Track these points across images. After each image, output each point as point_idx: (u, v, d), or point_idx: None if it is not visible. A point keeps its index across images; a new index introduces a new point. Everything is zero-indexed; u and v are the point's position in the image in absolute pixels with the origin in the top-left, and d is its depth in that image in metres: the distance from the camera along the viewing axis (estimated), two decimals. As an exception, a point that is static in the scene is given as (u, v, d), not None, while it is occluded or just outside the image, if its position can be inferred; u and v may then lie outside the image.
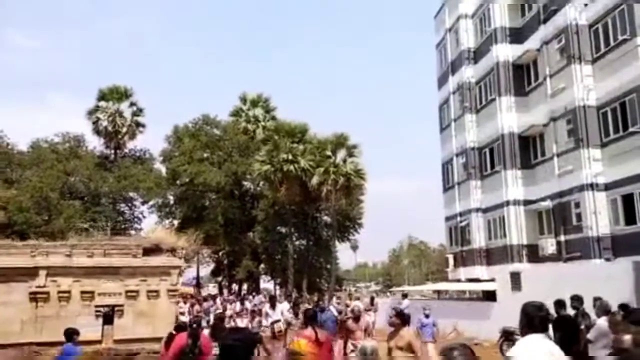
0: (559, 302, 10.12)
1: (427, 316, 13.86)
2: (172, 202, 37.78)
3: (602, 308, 8.34)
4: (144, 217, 38.02)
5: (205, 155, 35.45)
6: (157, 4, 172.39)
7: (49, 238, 20.09)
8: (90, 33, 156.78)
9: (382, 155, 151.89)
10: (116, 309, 14.78)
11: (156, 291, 15.30)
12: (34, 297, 14.03)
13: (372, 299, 23.15)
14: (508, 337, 14.84)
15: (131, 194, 35.33)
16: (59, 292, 14.27)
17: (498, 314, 19.16)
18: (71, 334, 7.69)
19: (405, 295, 20.59)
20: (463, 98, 25.68)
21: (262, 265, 38.29)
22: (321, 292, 33.89)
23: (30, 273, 14.03)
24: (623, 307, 8.84)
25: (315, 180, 31.68)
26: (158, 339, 11.75)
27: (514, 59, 22.89)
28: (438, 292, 27.50)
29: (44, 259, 14.15)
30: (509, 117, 22.65)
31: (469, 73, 25.49)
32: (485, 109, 24.27)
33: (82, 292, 14.50)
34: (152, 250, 15.33)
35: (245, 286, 39.94)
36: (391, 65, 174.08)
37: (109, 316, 14.51)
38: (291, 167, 31.37)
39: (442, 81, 28.44)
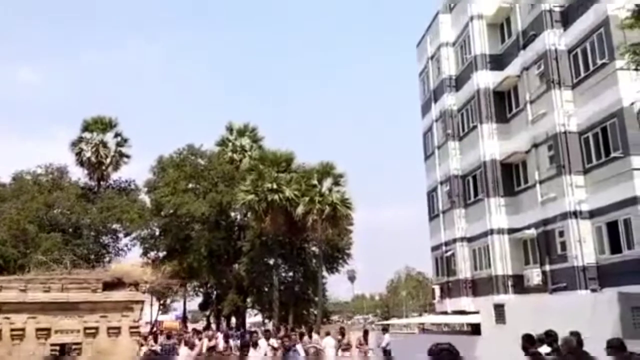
0: (528, 337, 9.49)
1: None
2: (157, 233, 37.06)
3: (567, 344, 7.71)
4: (128, 249, 37.38)
5: (189, 185, 34.94)
6: (144, 36, 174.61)
7: (25, 272, 19.40)
8: (75, 64, 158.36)
9: (378, 184, 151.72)
10: (74, 347, 13.98)
11: (117, 328, 14.47)
12: (-15, 336, 13.27)
13: (365, 332, 20.54)
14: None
15: (115, 226, 34.72)
16: (12, 329, 13.47)
17: (482, 348, 18.40)
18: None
19: (385, 330, 19.76)
20: (446, 125, 25.40)
21: (249, 299, 37.35)
22: (308, 325, 32.95)
23: (-19, 310, 13.29)
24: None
25: (300, 209, 31.10)
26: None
27: (494, 85, 22.67)
28: (422, 325, 26.69)
29: (-3, 294, 13.44)
30: (491, 144, 22.31)
31: (450, 101, 25.26)
32: (468, 136, 23.95)
33: (37, 330, 13.68)
34: (114, 284, 14.60)
35: (233, 320, 39.00)
36: (379, 94, 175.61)
37: (65, 355, 13.72)
38: (276, 197, 30.82)
39: (425, 109, 28.22)
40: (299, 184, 32.04)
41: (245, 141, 38.53)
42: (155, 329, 35.75)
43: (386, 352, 18.39)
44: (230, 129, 38.84)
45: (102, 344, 14.30)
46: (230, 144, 38.40)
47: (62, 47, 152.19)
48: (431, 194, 27.11)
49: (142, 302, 15.20)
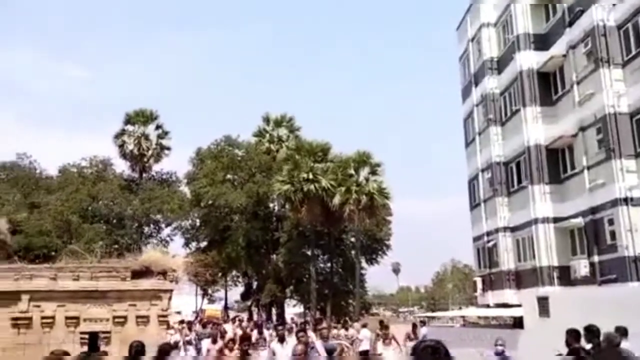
0: (573, 332, 8.74)
1: (498, 353, 11.03)
2: (197, 224, 37.41)
3: (609, 341, 6.95)
4: (171, 239, 37.93)
5: (227, 176, 35.01)
6: (183, 32, 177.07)
7: (68, 261, 19.71)
8: (119, 61, 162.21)
9: (421, 174, 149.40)
10: (102, 335, 14.01)
11: (146, 317, 14.46)
12: (16, 323, 13.44)
13: (414, 326, 18.44)
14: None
15: (156, 217, 35.24)
16: (43, 317, 13.63)
17: (525, 342, 17.50)
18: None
19: (423, 322, 18.97)
20: (487, 110, 24.28)
21: (287, 289, 37.16)
22: (348, 317, 32.48)
23: (12, 297, 13.46)
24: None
25: (337, 199, 30.60)
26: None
27: (538, 66, 21.43)
28: (464, 318, 25.76)
29: (27, 282, 13.58)
30: (535, 128, 21.13)
31: (492, 84, 24.12)
32: (510, 120, 22.81)
33: (67, 318, 13.81)
34: (143, 273, 14.56)
35: (274, 311, 38.96)
36: (418, 81, 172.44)
37: (94, 343, 13.74)
38: (312, 187, 30.41)
39: (465, 94, 27.11)
40: (335, 173, 31.54)
41: (282, 131, 38.29)
42: (199, 318, 36.07)
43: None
44: (267, 120, 38.67)
45: (131, 333, 14.25)
46: (267, 134, 38.25)
47: (108, 45, 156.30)
48: (472, 182, 26.07)
49: (171, 290, 15.09)
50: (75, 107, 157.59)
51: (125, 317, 14.32)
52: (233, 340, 13.19)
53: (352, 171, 32.02)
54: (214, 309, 42.90)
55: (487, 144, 24.15)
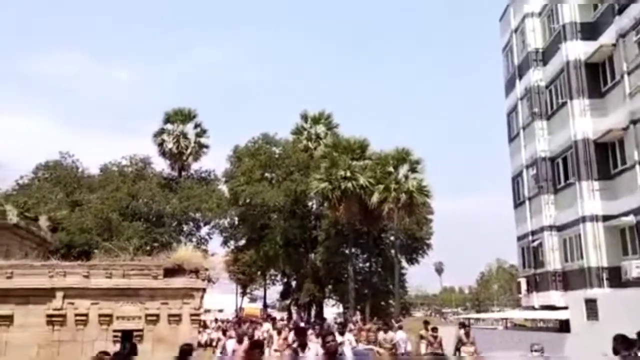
0: (621, 339, 8.01)
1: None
2: (235, 222, 37.47)
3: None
4: (210, 238, 38.16)
5: (265, 174, 34.91)
6: (221, 29, 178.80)
7: (102, 258, 19.93)
8: (159, 62, 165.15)
9: (464, 172, 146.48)
10: (135, 333, 13.95)
11: (178, 315, 14.32)
12: (51, 320, 13.52)
13: (461, 326, 16.76)
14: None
15: (196, 215, 35.48)
16: (76, 315, 13.65)
17: (572, 347, 16.56)
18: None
19: (463, 325, 18.12)
20: (532, 104, 23.23)
21: (326, 289, 36.77)
22: (387, 318, 31.85)
23: (47, 294, 13.54)
24: None
25: (375, 197, 30.04)
26: None
27: (586, 56, 20.31)
28: (506, 320, 24.74)
29: (61, 279, 13.63)
30: (583, 121, 20.03)
31: (537, 76, 23.05)
32: (557, 114, 21.74)
33: (100, 316, 13.80)
34: (174, 271, 14.42)
35: (312, 311, 38.66)
36: (461, 75, 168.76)
37: (128, 341, 13.69)
38: (350, 185, 29.94)
39: (509, 87, 26.06)
40: (373, 171, 30.98)
41: (320, 129, 37.93)
42: (238, 316, 36.11)
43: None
44: (305, 117, 38.40)
45: (163, 331, 14.17)
46: (305, 132, 37.99)
47: (148, 47, 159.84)
48: (516, 179, 25.04)
49: (203, 289, 14.90)
50: (119, 108, 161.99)
51: (157, 316, 14.21)
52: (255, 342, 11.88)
53: (391, 168, 31.41)
54: (253, 308, 43.03)
55: (531, 139, 23.12)
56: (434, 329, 15.79)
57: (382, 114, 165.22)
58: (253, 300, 51.65)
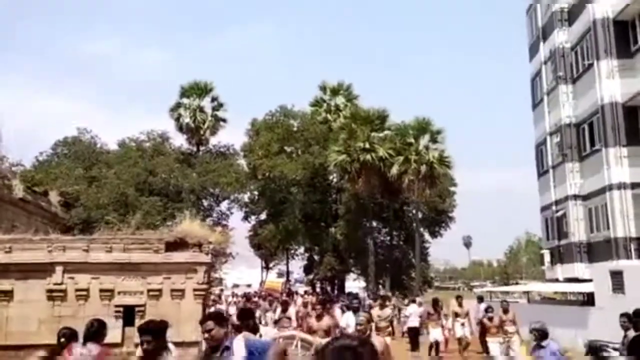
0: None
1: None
2: (255, 197, 37.17)
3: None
4: (230, 213, 38.01)
5: (283, 148, 34.33)
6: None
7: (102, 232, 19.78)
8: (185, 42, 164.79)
9: (490, 144, 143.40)
10: (137, 309, 13.68)
11: (181, 290, 13.99)
12: (51, 296, 13.33)
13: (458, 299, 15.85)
14: (595, 353, 11.64)
15: (214, 190, 35.29)
16: (77, 290, 13.43)
17: (597, 320, 15.74)
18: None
19: (481, 299, 17.36)
20: (556, 67, 21.94)
21: (347, 262, 36.31)
22: (409, 291, 31.31)
23: (46, 269, 13.33)
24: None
25: (395, 169, 29.27)
26: (181, 344, 10.52)
27: (614, 14, 18.94)
28: (528, 294, 23.88)
29: (61, 254, 13.39)
30: (611, 84, 18.77)
31: (562, 37, 21.70)
32: (583, 77, 20.46)
33: (101, 291, 13.55)
34: (177, 245, 14.04)
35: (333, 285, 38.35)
36: (483, 42, 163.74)
37: (129, 317, 13.44)
38: (368, 157, 29.21)
39: (533, 50, 24.71)
40: (393, 142, 30.17)
41: (340, 100, 37.01)
42: (259, 290, 36.02)
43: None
44: (323, 89, 37.51)
45: (166, 307, 13.87)
46: (324, 103, 37.15)
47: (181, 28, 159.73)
48: (540, 148, 23.88)
49: (207, 263, 14.53)
50: (150, 87, 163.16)
51: (160, 291, 13.89)
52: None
53: (411, 139, 30.57)
54: (275, 282, 42.88)
55: (556, 105, 21.90)
56: (435, 303, 14.89)
57: (402, 84, 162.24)
58: (280, 274, 51.70)
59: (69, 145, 33.69)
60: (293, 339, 4.42)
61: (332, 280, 37.45)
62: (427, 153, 29.72)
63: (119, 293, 13.76)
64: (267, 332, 6.50)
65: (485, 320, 12.19)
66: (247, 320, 6.30)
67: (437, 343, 13.40)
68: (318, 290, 37.19)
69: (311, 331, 8.66)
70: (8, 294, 13.17)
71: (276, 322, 11.67)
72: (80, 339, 6.11)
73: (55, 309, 13.35)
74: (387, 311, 12.79)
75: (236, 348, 4.00)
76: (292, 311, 13.21)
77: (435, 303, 14.46)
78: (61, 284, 13.44)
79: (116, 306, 13.67)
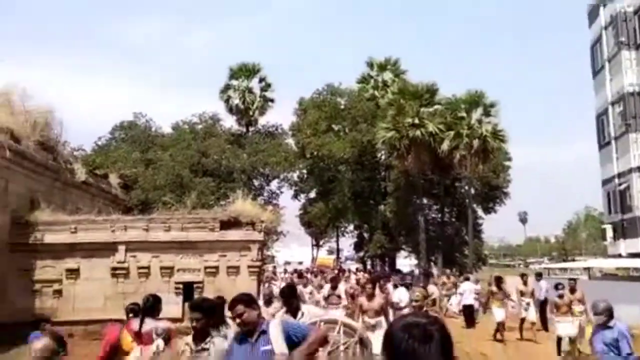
0: None
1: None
2: (304, 175, 37.37)
3: None
4: (280, 192, 38.44)
5: (331, 126, 34.23)
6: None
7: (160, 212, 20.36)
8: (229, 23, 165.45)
9: (557, 117, 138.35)
10: (195, 285, 14.14)
11: (236, 267, 14.38)
12: (115, 273, 13.93)
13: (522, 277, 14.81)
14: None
15: (264, 169, 35.74)
16: (139, 267, 14.01)
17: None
18: (39, 322, 6.80)
19: (539, 275, 16.75)
20: (618, 32, 20.83)
21: (397, 240, 36.11)
22: (462, 269, 30.89)
23: (110, 248, 13.94)
24: None
25: (445, 145, 28.67)
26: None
27: (683, -28, 17.70)
28: (589, 270, 23.06)
29: (123, 233, 13.95)
30: (679, 47, 17.64)
31: (624, 1, 20.52)
32: (648, 41, 19.32)
33: (161, 268, 14.09)
34: (230, 223, 14.37)
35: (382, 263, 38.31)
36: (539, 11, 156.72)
37: (188, 293, 13.88)
38: (418, 132, 28.68)
39: (592, 16, 23.49)
40: (443, 117, 29.50)
41: (387, 76, 36.40)
42: (311, 267, 36.37)
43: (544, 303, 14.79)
44: (370, 65, 36.97)
45: (222, 283, 14.26)
46: (371, 80, 36.65)
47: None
48: (601, 118, 22.87)
49: (260, 241, 14.80)
50: (197, 68, 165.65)
51: (216, 268, 14.32)
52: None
53: (462, 113, 29.82)
54: (326, 259, 43.17)
55: (618, 72, 20.84)
56: (498, 280, 14.21)
57: (452, 58, 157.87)
58: (330, 252, 52.01)
59: (126, 129, 34.74)
60: (335, 324, 3.89)
61: (382, 257, 37.39)
62: (480, 127, 28.92)
63: (178, 270, 14.26)
64: (310, 311, 5.80)
65: (556, 299, 11.44)
66: (290, 299, 5.88)
67: (502, 324, 12.72)
68: (369, 267, 37.28)
69: (362, 310, 8.55)
70: (75, 272, 13.86)
71: (325, 300, 11.69)
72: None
73: (119, 285, 13.97)
74: (432, 288, 12.62)
75: (273, 333, 3.65)
76: (341, 288, 13.10)
77: (499, 281, 13.69)
78: (124, 262, 14.02)
79: (176, 283, 14.19)
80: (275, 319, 3.99)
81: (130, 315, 6.51)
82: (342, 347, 3.63)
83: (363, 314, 8.51)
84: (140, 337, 5.81)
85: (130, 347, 5.86)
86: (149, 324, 5.74)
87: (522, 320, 13.01)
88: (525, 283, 13.64)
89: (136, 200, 27.51)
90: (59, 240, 13.73)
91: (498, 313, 12.77)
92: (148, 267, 14.06)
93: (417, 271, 29.56)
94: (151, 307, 5.97)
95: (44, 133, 15.30)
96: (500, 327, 12.74)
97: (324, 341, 3.55)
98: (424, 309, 5.82)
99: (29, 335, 7.13)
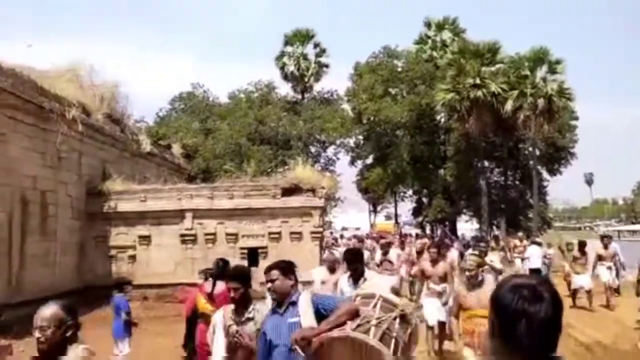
0: None
1: None
2: (361, 141, 37.16)
3: None
4: (337, 158, 38.49)
5: (388, 90, 33.65)
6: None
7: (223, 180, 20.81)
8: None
9: (624, 76, 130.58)
10: (259, 251, 14.47)
11: (299, 233, 14.58)
12: (183, 239, 14.43)
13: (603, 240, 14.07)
14: None
15: (321, 136, 35.82)
16: (205, 234, 14.45)
17: None
18: (122, 284, 7.13)
19: (607, 238, 15.26)
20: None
21: (458, 205, 35.51)
22: (527, 232, 30.10)
23: (178, 216, 14.42)
24: None
25: (509, 105, 27.65)
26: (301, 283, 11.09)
27: None
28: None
29: (189, 201, 14.38)
30: None
31: None
32: None
33: (227, 234, 14.48)
34: (292, 190, 14.52)
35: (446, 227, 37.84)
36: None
37: (253, 258, 14.24)
38: (479, 93, 27.73)
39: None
40: (506, 76, 28.39)
41: (446, 35, 35.22)
42: (369, 232, 36.49)
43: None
44: (428, 24, 35.83)
45: (286, 248, 14.52)
46: (429, 40, 35.59)
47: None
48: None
49: (321, 207, 14.91)
50: (250, 37, 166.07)
51: (279, 234, 14.58)
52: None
53: (526, 72, 28.58)
54: (386, 224, 43.13)
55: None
56: (582, 245, 13.57)
57: (513, 15, 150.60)
58: (388, 217, 51.91)
59: (185, 100, 35.52)
60: (373, 298, 3.47)
61: (442, 222, 36.96)
62: (545, 85, 27.67)
63: (242, 236, 14.62)
64: (373, 277, 5.65)
65: (602, 250, 12.21)
66: (355, 264, 5.65)
67: (585, 291, 12.20)
68: (429, 233, 36.96)
69: (425, 276, 8.40)
70: (146, 239, 14.48)
71: (378, 266, 11.50)
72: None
73: (188, 251, 14.50)
74: (491, 256, 12.22)
75: (302, 305, 3.47)
76: (392, 254, 13.00)
77: (582, 245, 13.16)
78: (191, 229, 14.51)
79: (241, 248, 14.57)
80: (305, 292, 3.72)
81: (204, 278, 6.75)
82: (374, 322, 3.23)
83: (427, 280, 8.37)
84: (212, 299, 6.04)
85: (205, 308, 6.11)
86: (220, 286, 5.93)
87: (607, 286, 12.41)
88: (606, 247, 13.04)
89: (197, 169, 28.27)
90: (130, 209, 14.34)
91: (579, 279, 12.29)
92: (214, 234, 14.48)
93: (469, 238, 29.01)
94: (222, 270, 6.16)
95: (111, 106, 15.82)
96: (585, 293, 12.23)
97: (353, 314, 3.26)
98: (479, 278, 5.49)
99: (111, 297, 7.53)
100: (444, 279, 8.20)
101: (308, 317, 3.38)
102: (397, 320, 3.31)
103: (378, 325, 3.21)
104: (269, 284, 3.59)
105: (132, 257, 14.36)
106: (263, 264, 14.31)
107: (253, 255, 14.48)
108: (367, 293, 3.70)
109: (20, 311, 9.70)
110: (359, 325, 3.19)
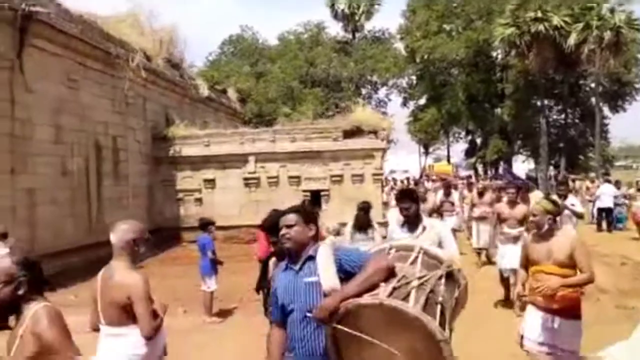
0: None
1: None
2: (414, 81, 36.29)
3: None
4: (389, 100, 37.87)
5: (443, 26, 32.37)
6: None
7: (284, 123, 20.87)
8: None
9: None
10: (322, 193, 14.59)
11: (360, 175, 14.58)
12: (247, 183, 14.69)
13: None
14: None
15: (372, 77, 35.17)
16: (268, 177, 14.65)
17: None
18: (206, 224, 7.34)
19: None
20: None
21: (515, 144, 34.54)
22: (587, 172, 29.18)
23: (241, 160, 14.62)
24: None
25: (572, 39, 26.19)
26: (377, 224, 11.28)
27: None
28: None
29: (251, 145, 14.53)
30: None
31: None
32: None
33: (289, 177, 14.63)
34: (353, 132, 14.42)
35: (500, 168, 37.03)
36: None
37: (316, 200, 14.40)
38: (541, 27, 26.33)
39: None
40: (570, 8, 26.81)
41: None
42: (426, 174, 36.02)
43: None
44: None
45: (348, 191, 14.59)
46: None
47: None
48: None
49: (383, 149, 14.80)
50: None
51: (341, 176, 14.62)
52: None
53: (592, 3, 26.83)
54: (444, 165, 42.24)
55: None
56: None
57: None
58: (437, 160, 51.06)
59: (234, 43, 35.30)
60: (411, 251, 2.77)
61: (496, 163, 36.16)
62: (613, 17, 25.97)
63: (304, 179, 14.75)
64: (433, 224, 4.54)
65: None
66: (405, 201, 4.47)
67: None
68: (483, 174, 36.22)
69: (501, 219, 7.72)
70: (211, 182, 14.82)
71: (439, 207, 10.98)
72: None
73: (252, 194, 14.78)
74: (522, 208, 11.57)
75: (321, 261, 2.66)
76: (455, 196, 12.41)
77: None
78: (254, 172, 14.73)
79: (303, 191, 14.72)
80: (325, 242, 2.84)
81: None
82: (415, 282, 2.53)
83: (502, 223, 7.99)
84: None
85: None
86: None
87: None
88: None
89: (250, 114, 28.41)
90: (195, 153, 14.63)
91: None
92: (277, 177, 14.66)
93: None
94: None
95: (170, 51, 15.89)
96: None
97: (387, 273, 2.57)
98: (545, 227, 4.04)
99: (197, 238, 7.77)
100: (521, 222, 7.72)
101: (329, 276, 2.61)
102: (443, 280, 2.67)
103: (420, 287, 2.54)
104: (284, 230, 2.79)
105: (199, 200, 14.77)
106: (326, 207, 14.51)
107: (316, 198, 14.63)
108: (404, 244, 3.02)
109: (101, 251, 10.21)
110: (395, 289, 2.50)
